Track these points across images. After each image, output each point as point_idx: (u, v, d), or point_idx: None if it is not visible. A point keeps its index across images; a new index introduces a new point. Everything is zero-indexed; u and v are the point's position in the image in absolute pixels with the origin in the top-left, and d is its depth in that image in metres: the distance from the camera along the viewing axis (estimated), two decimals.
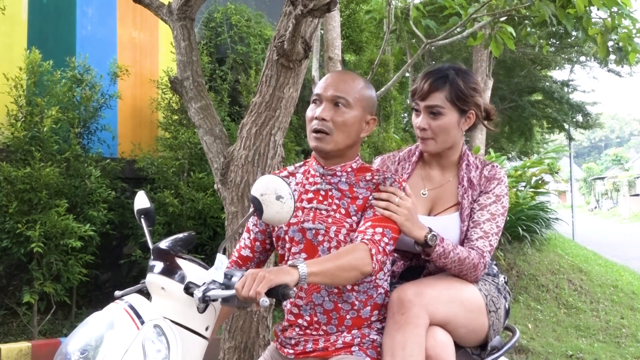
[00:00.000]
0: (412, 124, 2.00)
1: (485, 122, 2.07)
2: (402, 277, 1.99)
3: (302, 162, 1.94)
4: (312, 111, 1.78)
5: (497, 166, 1.99)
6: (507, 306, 1.99)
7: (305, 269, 1.47)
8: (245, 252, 1.92)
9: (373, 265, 1.61)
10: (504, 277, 2.04)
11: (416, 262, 1.98)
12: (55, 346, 1.57)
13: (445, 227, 1.91)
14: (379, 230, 1.67)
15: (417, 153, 2.06)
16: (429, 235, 1.77)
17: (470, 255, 1.83)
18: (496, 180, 1.94)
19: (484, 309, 1.87)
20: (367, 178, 1.80)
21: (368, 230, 1.67)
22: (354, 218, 1.75)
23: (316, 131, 1.75)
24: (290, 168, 1.94)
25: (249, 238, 1.92)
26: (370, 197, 1.76)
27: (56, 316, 4.75)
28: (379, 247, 1.64)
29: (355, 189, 1.78)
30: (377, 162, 2.12)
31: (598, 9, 4.20)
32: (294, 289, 1.44)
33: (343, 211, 1.76)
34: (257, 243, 1.90)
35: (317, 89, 1.80)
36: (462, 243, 1.91)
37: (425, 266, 1.96)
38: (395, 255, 2.01)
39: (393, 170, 2.05)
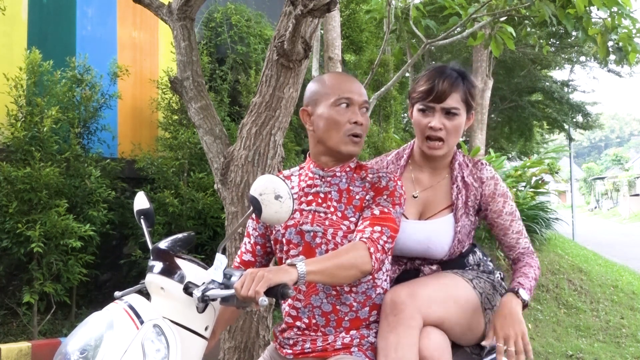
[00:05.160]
0: (416, 123, 1.95)
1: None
2: (398, 281, 1.96)
3: (297, 167, 1.94)
4: (344, 114, 1.77)
5: (485, 164, 1.99)
6: None
7: (304, 268, 1.47)
8: (247, 257, 1.92)
9: (372, 264, 1.61)
10: (500, 274, 2.04)
11: (411, 265, 1.97)
12: (55, 346, 1.56)
13: (438, 230, 1.91)
14: (378, 228, 1.67)
15: (405, 156, 2.03)
16: (526, 297, 1.82)
17: (535, 266, 1.92)
18: (492, 180, 1.95)
19: (479, 306, 1.86)
20: (362, 176, 1.81)
21: (367, 229, 1.67)
22: (352, 219, 1.75)
23: (357, 135, 1.78)
24: (286, 172, 1.95)
25: (249, 242, 1.92)
26: (368, 197, 1.76)
27: (56, 316, 4.75)
28: (378, 246, 1.64)
29: (351, 188, 1.79)
30: (371, 163, 2.10)
31: (598, 9, 4.19)
32: (293, 288, 1.44)
33: (340, 214, 1.76)
34: (258, 247, 1.91)
35: (344, 93, 1.77)
36: (456, 241, 1.91)
37: (420, 269, 1.95)
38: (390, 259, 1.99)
39: None
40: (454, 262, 1.96)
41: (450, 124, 1.90)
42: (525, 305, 1.82)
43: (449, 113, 1.90)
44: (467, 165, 1.97)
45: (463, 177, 1.95)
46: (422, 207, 1.95)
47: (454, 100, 1.90)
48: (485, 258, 2.03)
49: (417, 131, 1.96)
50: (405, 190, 1.83)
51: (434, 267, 1.94)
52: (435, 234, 1.89)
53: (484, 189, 1.94)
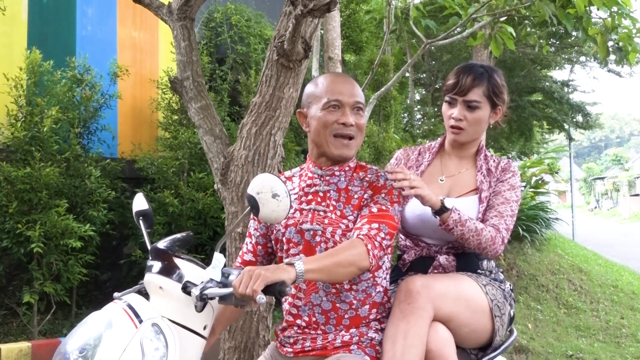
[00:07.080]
0: (443, 113, 2.14)
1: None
2: (412, 267, 2.03)
3: (298, 168, 1.97)
4: (333, 115, 1.79)
5: (510, 161, 2.15)
6: (511, 313, 2.04)
7: (302, 266, 1.48)
8: (248, 257, 1.94)
9: (370, 260, 1.63)
10: (510, 285, 2.10)
11: (427, 251, 2.04)
12: (55, 346, 1.57)
13: (465, 207, 2.00)
14: (375, 225, 1.69)
15: (437, 146, 2.20)
16: (445, 200, 1.90)
17: (487, 228, 1.93)
18: (511, 172, 2.09)
19: (489, 312, 1.90)
20: (361, 177, 1.83)
21: (364, 226, 1.69)
22: (350, 218, 1.77)
23: (345, 136, 1.79)
24: (288, 173, 1.97)
25: (251, 243, 1.94)
26: (366, 196, 1.77)
27: (56, 316, 4.75)
28: (375, 242, 1.66)
29: (350, 188, 1.81)
30: (399, 151, 2.25)
31: (598, 9, 4.20)
32: (291, 286, 1.45)
33: (339, 213, 1.78)
34: (259, 247, 1.93)
35: (334, 95, 1.80)
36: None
37: (436, 257, 2.00)
38: (408, 244, 2.08)
39: (413, 158, 2.18)
40: (468, 259, 2.02)
41: (471, 116, 2.06)
42: (445, 209, 1.86)
43: (470, 106, 2.05)
44: (494, 159, 2.14)
45: (488, 168, 2.10)
46: (448, 190, 2.08)
47: (475, 94, 2.05)
48: (497, 268, 2.09)
49: (444, 120, 2.15)
50: (433, 173, 2.05)
51: (450, 258, 2.00)
52: (462, 210, 1.98)
53: (501, 175, 2.08)
